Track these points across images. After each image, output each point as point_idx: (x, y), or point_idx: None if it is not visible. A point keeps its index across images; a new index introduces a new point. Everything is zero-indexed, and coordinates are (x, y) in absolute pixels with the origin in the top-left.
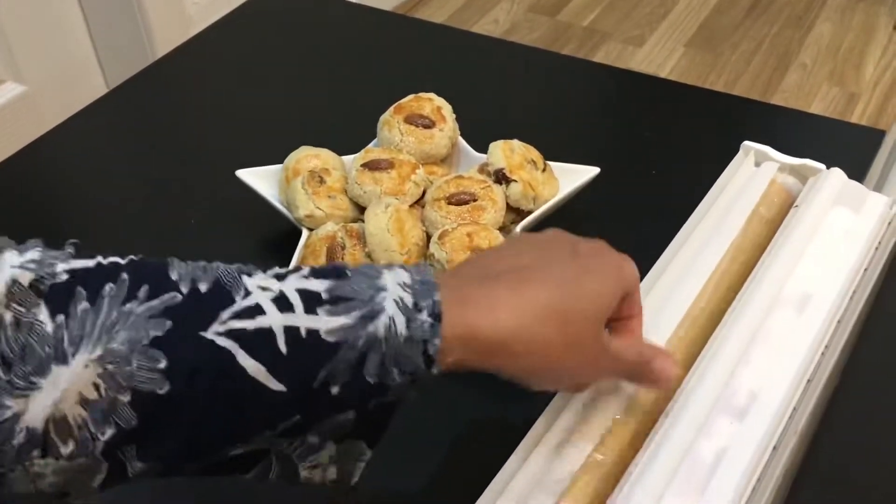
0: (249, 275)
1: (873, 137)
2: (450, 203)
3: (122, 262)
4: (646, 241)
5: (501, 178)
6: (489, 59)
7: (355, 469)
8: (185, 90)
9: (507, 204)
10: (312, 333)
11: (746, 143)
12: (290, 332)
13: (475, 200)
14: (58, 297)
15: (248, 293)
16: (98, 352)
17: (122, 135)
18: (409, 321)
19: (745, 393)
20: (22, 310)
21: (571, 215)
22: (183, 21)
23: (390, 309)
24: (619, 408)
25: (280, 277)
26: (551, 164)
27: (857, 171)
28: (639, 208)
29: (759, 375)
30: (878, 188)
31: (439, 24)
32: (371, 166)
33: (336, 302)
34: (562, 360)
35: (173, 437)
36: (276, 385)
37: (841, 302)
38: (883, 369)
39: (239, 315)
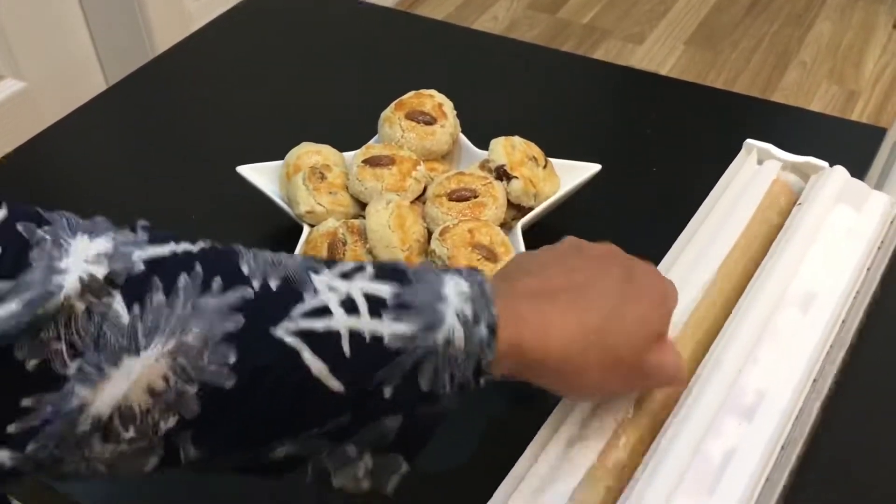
0: (317, 272)
1: (874, 135)
2: (451, 199)
3: (195, 250)
4: (647, 238)
5: (502, 174)
6: (490, 55)
7: (390, 482)
8: (185, 87)
9: (508, 200)
10: (376, 338)
11: (749, 140)
12: (355, 335)
13: (476, 197)
14: (134, 287)
15: (316, 292)
16: (171, 344)
17: (121, 131)
18: (467, 334)
19: (753, 393)
20: (94, 300)
21: (572, 212)
22: (183, 18)
23: (451, 320)
24: (629, 407)
25: (346, 276)
26: (552, 160)
27: (859, 169)
28: (640, 205)
29: (766, 375)
30: (879, 186)
31: (440, 20)
32: (372, 163)
33: (400, 309)
34: (601, 381)
35: (230, 428)
36: (334, 384)
37: (845, 301)
38: (884, 368)
39: (308, 315)
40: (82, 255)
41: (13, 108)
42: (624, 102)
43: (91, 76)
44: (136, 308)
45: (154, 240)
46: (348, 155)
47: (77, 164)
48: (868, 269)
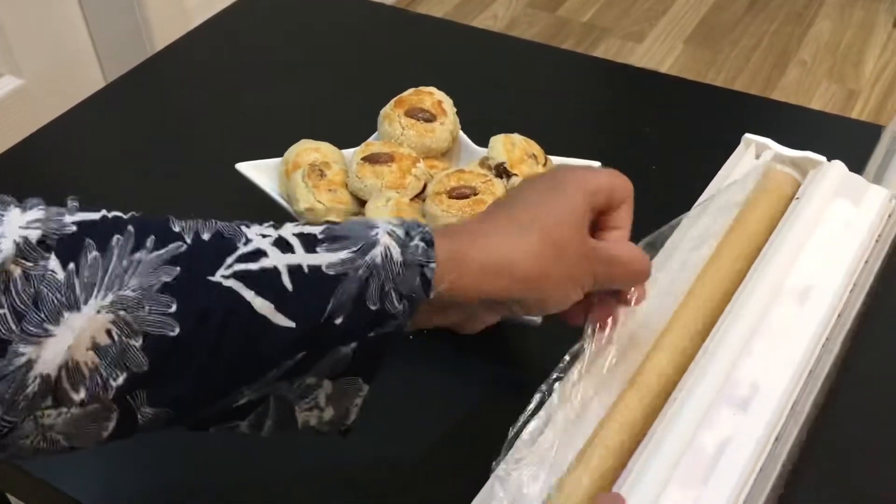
0: (248, 226)
1: (874, 133)
2: (451, 197)
3: (126, 216)
4: (646, 235)
5: (502, 172)
6: (490, 53)
7: (352, 408)
8: (184, 84)
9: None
10: (314, 269)
11: (747, 135)
12: (293, 269)
13: (476, 194)
14: (67, 247)
15: (248, 240)
16: (110, 298)
17: (119, 129)
18: (403, 248)
19: (748, 384)
20: (30, 264)
21: None
22: (181, 15)
23: (384, 239)
24: (622, 398)
25: (276, 226)
26: (552, 158)
27: (858, 166)
28: (639, 203)
29: (761, 367)
30: (876, 182)
31: (440, 18)
32: (372, 160)
33: (333, 240)
34: (553, 269)
35: (184, 380)
36: (283, 321)
37: (842, 294)
38: (880, 362)
39: (243, 258)
40: (16, 223)
41: (11, 105)
42: (623, 100)
43: (89, 73)
44: (71, 265)
45: (85, 209)
46: (348, 152)
47: (75, 162)
48: (866, 263)
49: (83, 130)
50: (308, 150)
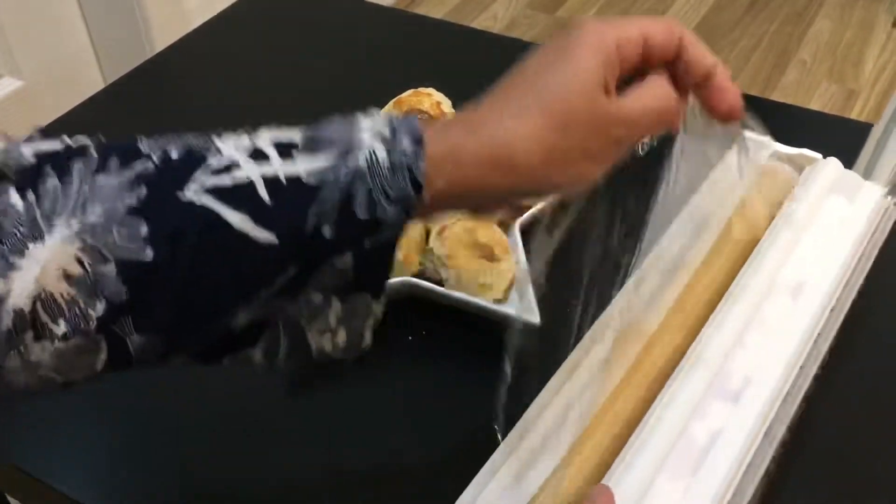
0: (220, 136)
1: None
2: None
3: (89, 141)
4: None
5: None
6: (489, 54)
7: (365, 329)
8: (184, 85)
9: None
10: (292, 179)
11: (745, 132)
12: (270, 180)
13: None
14: (25, 177)
15: (220, 151)
16: (75, 226)
17: (119, 130)
18: (389, 150)
19: (740, 377)
20: None
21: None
22: (181, 16)
23: (368, 141)
24: (614, 390)
25: (250, 135)
26: None
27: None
28: (639, 204)
29: (753, 360)
30: (865, 179)
31: (439, 19)
32: None
33: (312, 145)
34: (560, 151)
35: (167, 305)
36: (264, 235)
37: (835, 290)
38: (872, 357)
39: (215, 172)
40: None
41: (11, 106)
42: None
43: (89, 74)
44: (31, 196)
45: (47, 138)
46: None
47: None
48: (859, 259)
49: (83, 132)
50: None
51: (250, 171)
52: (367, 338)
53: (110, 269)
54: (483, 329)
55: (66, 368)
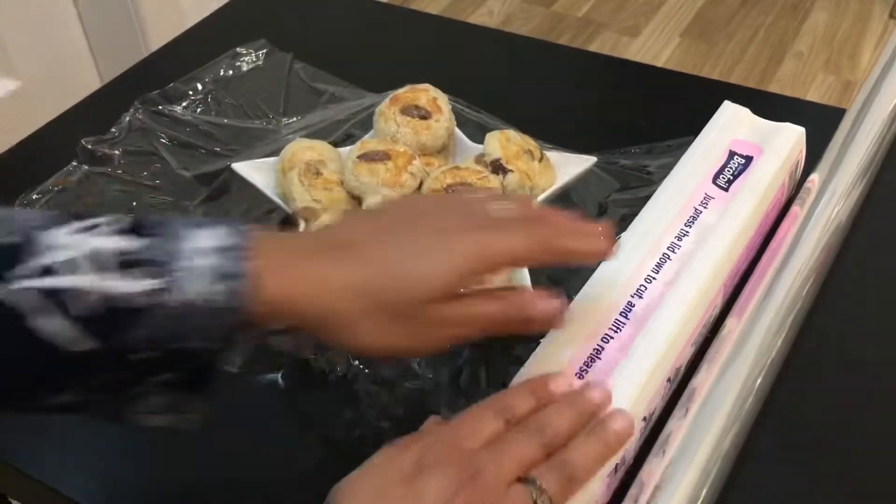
0: (48, 228)
1: None
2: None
3: None
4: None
5: (498, 168)
6: (486, 49)
7: (199, 414)
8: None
9: (504, 194)
10: (107, 299)
11: (727, 102)
12: (82, 294)
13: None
14: None
15: (46, 250)
16: None
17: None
18: (211, 290)
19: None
20: None
21: (568, 205)
22: (176, 15)
23: (194, 276)
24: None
25: (89, 229)
26: (548, 153)
27: None
28: (635, 196)
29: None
30: (837, 162)
31: (435, 15)
32: (367, 158)
33: (135, 265)
34: (382, 337)
35: None
36: (77, 346)
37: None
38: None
39: (33, 274)
40: None
41: (7, 107)
42: (620, 95)
43: (85, 75)
44: None
45: None
46: (343, 150)
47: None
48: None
49: (80, 131)
50: (304, 149)
51: (69, 282)
52: (198, 424)
53: None
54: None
55: None
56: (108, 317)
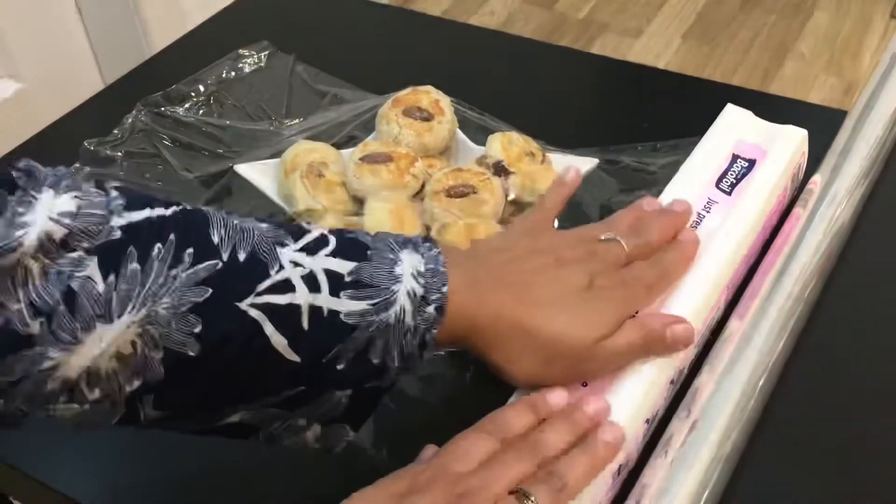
0: (283, 245)
1: None
2: (449, 195)
3: (168, 214)
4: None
5: (500, 170)
6: (488, 51)
7: (338, 445)
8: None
9: (506, 196)
10: (333, 314)
11: (730, 105)
12: (314, 310)
13: (474, 193)
14: (110, 255)
15: (281, 268)
16: (142, 314)
17: None
18: (415, 313)
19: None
20: (48, 261)
21: (570, 206)
22: (179, 17)
23: (402, 300)
24: None
25: (310, 251)
26: (550, 155)
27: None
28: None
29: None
30: (840, 163)
31: (437, 16)
32: (369, 159)
33: (357, 287)
34: (538, 373)
35: (190, 393)
36: (292, 356)
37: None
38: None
39: (271, 290)
40: (45, 211)
41: (10, 108)
42: (621, 96)
43: (88, 76)
44: (112, 277)
45: (130, 206)
46: (345, 152)
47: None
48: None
49: (82, 133)
50: (306, 151)
51: (301, 297)
52: (338, 450)
53: (158, 354)
54: None
55: (79, 422)
56: (323, 332)
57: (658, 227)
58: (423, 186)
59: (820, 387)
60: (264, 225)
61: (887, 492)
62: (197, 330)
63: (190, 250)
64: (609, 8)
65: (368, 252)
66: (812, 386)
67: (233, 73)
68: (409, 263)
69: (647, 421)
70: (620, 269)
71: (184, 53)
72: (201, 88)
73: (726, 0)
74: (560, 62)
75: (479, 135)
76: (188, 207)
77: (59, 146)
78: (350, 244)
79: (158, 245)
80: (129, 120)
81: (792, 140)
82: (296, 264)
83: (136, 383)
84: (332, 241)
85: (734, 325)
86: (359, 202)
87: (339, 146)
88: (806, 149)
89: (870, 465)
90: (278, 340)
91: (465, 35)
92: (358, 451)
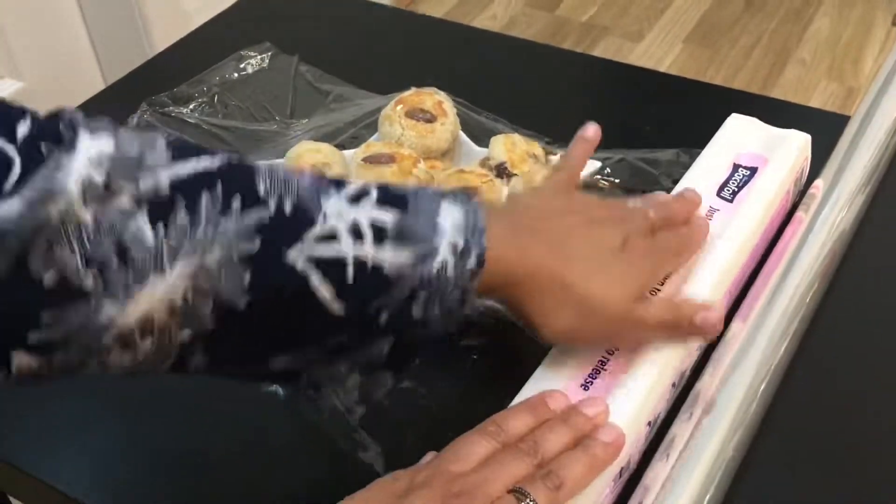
0: (328, 195)
1: None
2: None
3: (215, 167)
4: None
5: (503, 172)
6: (491, 53)
7: (378, 393)
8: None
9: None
10: (377, 267)
11: (734, 115)
12: (359, 262)
13: (477, 194)
14: (158, 207)
15: (326, 217)
16: (193, 265)
17: None
18: (457, 266)
19: None
20: (99, 207)
21: None
22: (181, 16)
23: (444, 252)
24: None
25: (354, 200)
26: (553, 158)
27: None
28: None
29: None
30: (842, 168)
31: (440, 18)
32: (372, 161)
33: (400, 238)
34: (573, 327)
35: (238, 341)
36: (336, 307)
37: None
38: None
39: (318, 240)
40: (85, 156)
41: None
42: (623, 99)
43: (89, 75)
44: (161, 229)
45: (176, 156)
46: (348, 153)
47: None
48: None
49: None
50: (309, 152)
51: (346, 249)
52: (377, 397)
53: (208, 305)
54: (491, 330)
55: (131, 370)
56: (367, 284)
57: (676, 207)
58: None
59: (822, 390)
60: (309, 178)
61: (890, 494)
62: (246, 281)
63: (238, 200)
64: (611, 12)
65: (409, 202)
66: (814, 389)
67: (236, 74)
68: (449, 215)
69: (649, 424)
70: (649, 235)
71: (185, 54)
72: (205, 89)
73: (728, 5)
74: (562, 65)
75: (482, 137)
76: (234, 158)
77: None
78: (391, 194)
79: (206, 195)
80: (134, 120)
81: (795, 144)
82: (340, 215)
83: (187, 332)
84: (374, 191)
85: (736, 328)
86: None
87: (341, 147)
88: (809, 153)
89: (872, 468)
90: (324, 292)
91: (468, 37)
92: (357, 452)
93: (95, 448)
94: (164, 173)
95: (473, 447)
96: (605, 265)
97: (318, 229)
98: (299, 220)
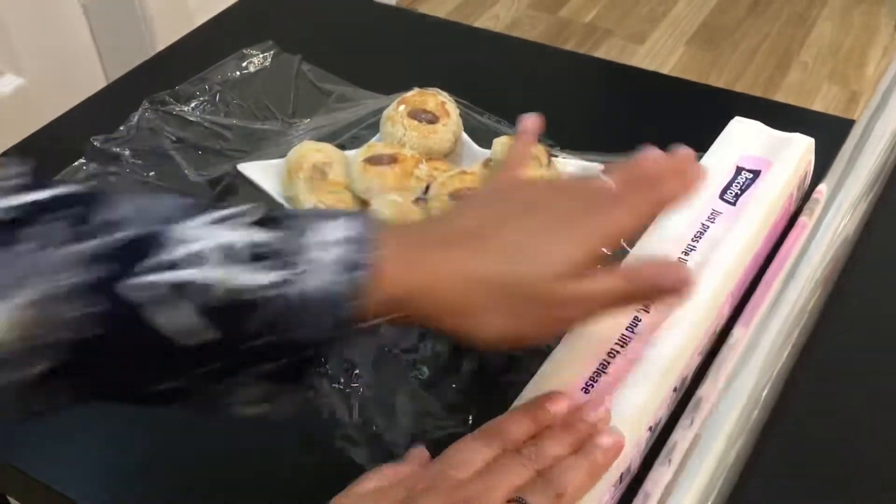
0: (191, 218)
1: None
2: (453, 198)
3: (62, 194)
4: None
5: None
6: (494, 54)
7: (292, 405)
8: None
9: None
10: (242, 287)
11: (737, 118)
12: (215, 286)
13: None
14: (1, 232)
15: (177, 243)
16: (40, 291)
17: None
18: (333, 282)
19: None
20: None
21: None
22: (183, 14)
23: (320, 270)
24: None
25: (218, 222)
26: (555, 160)
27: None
28: None
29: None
30: (846, 173)
31: (442, 19)
32: (374, 161)
33: (264, 258)
34: (507, 326)
35: (103, 372)
36: (203, 334)
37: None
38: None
39: (176, 265)
40: None
41: (12, 104)
42: (625, 102)
43: (91, 72)
44: (3, 255)
45: (20, 188)
46: (350, 153)
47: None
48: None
49: (85, 130)
50: (311, 151)
51: (204, 273)
52: (294, 411)
53: (62, 336)
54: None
55: None
56: (230, 308)
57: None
58: (427, 189)
59: (824, 396)
60: (172, 202)
61: (892, 501)
62: (97, 310)
63: (87, 228)
64: (613, 14)
65: (286, 221)
66: (817, 395)
67: (238, 73)
68: (333, 228)
69: (650, 429)
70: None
71: (188, 52)
72: (207, 87)
73: (731, 8)
74: (564, 66)
75: (485, 138)
76: (82, 190)
77: (62, 142)
78: (265, 217)
79: (60, 222)
80: (136, 117)
81: (798, 148)
82: (194, 238)
83: (43, 365)
84: (254, 213)
85: (739, 333)
86: (363, 203)
87: (343, 147)
88: (812, 157)
89: (874, 475)
90: (186, 318)
91: (470, 38)
92: (351, 451)
93: (95, 449)
94: (13, 201)
95: (473, 453)
96: (527, 248)
97: (162, 256)
98: (155, 244)
